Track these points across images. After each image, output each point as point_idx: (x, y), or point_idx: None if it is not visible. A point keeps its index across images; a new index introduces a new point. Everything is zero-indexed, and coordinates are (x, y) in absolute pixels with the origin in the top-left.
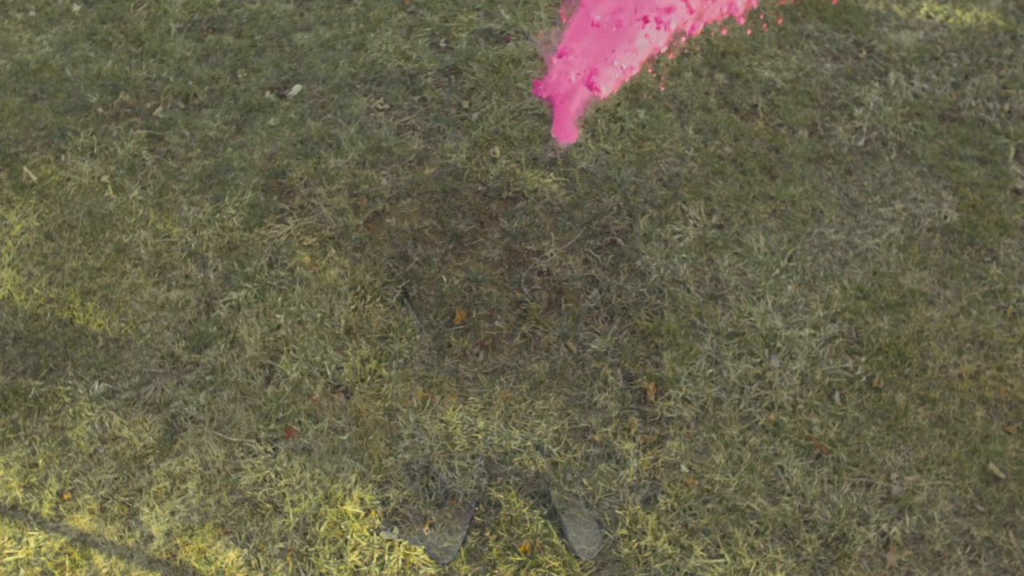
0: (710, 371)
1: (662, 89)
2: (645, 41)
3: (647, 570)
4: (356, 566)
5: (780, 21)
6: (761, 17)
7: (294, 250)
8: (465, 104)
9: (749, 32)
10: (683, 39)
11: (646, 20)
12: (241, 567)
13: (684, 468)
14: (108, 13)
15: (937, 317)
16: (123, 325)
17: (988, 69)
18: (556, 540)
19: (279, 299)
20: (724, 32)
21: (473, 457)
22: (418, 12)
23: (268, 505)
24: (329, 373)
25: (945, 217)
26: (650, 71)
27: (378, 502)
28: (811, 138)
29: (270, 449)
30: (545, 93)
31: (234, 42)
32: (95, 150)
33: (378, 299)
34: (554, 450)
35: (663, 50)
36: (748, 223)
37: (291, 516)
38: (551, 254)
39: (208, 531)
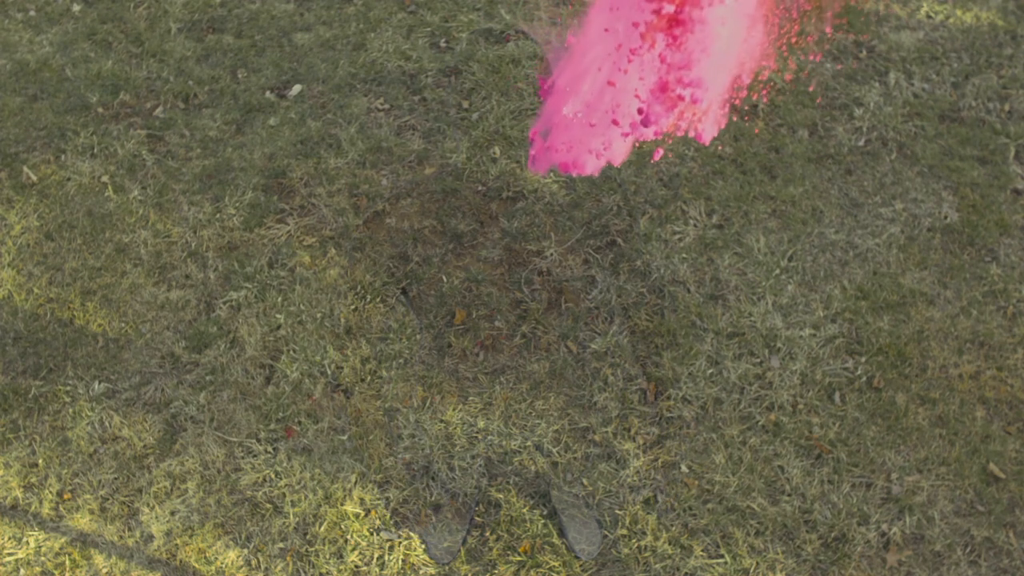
0: (710, 371)
1: None
2: (620, 136)
3: (647, 570)
4: (356, 566)
5: (757, 131)
6: (746, 121)
7: (294, 250)
8: (465, 104)
9: (721, 148)
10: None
11: (616, 124)
12: (241, 567)
13: (684, 468)
14: (108, 13)
15: (937, 317)
16: (123, 325)
17: (988, 69)
18: (556, 540)
19: (279, 299)
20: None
21: (473, 457)
22: (418, 12)
23: (268, 505)
24: (329, 373)
25: (945, 217)
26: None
27: (378, 502)
28: (811, 138)
29: (270, 449)
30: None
31: (234, 42)
32: (95, 150)
33: (378, 299)
34: (554, 450)
35: (641, 141)
36: (748, 223)
37: (291, 516)
38: (551, 254)
39: (208, 531)
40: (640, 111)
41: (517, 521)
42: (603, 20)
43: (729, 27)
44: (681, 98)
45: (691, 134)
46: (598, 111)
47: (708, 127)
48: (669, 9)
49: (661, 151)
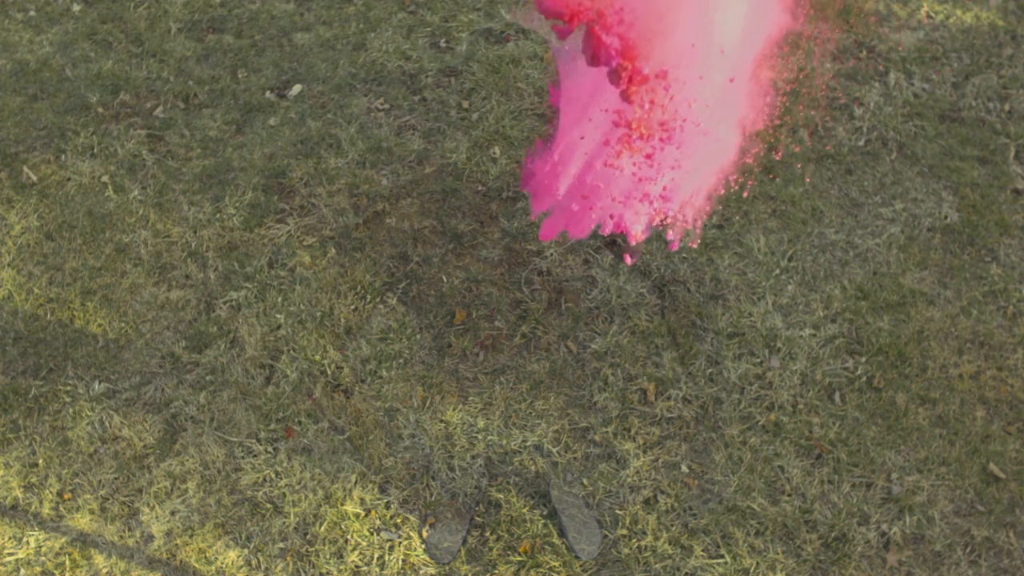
0: (710, 371)
1: None
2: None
3: (647, 570)
4: (356, 566)
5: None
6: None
7: (294, 250)
8: (465, 104)
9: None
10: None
11: (591, 208)
12: (241, 567)
13: (684, 468)
14: (108, 13)
15: (937, 317)
16: (123, 325)
17: (988, 69)
18: (556, 540)
19: (279, 299)
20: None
21: (473, 457)
22: (418, 12)
23: (268, 505)
24: (329, 373)
25: (945, 217)
26: None
27: (378, 502)
28: (811, 138)
29: (270, 449)
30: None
31: (234, 42)
32: (95, 150)
33: (378, 299)
34: (554, 450)
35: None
36: (748, 223)
37: (291, 516)
38: (551, 254)
39: (208, 531)
40: (612, 215)
41: (517, 521)
42: (578, 127)
43: (706, 141)
44: (655, 208)
45: (667, 236)
46: (578, 200)
47: (681, 235)
48: (641, 145)
49: (630, 258)
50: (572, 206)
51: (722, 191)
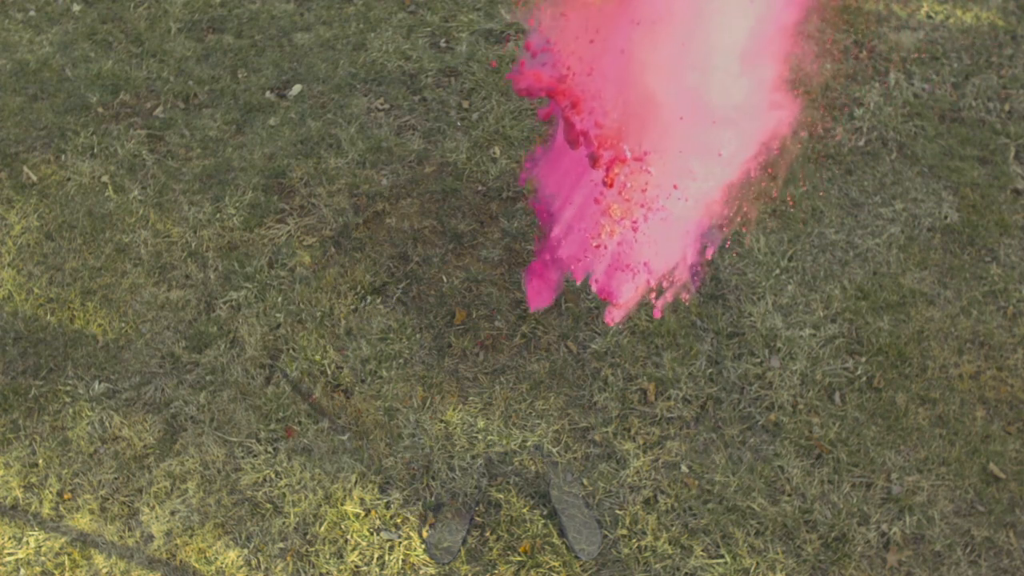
0: (710, 371)
1: None
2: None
3: (647, 570)
4: (356, 566)
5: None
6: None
7: (294, 250)
8: (465, 104)
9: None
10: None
11: (563, 263)
12: (241, 567)
13: (684, 468)
14: (108, 13)
15: (937, 317)
16: (123, 325)
17: (988, 69)
18: (556, 540)
19: (279, 299)
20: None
21: (473, 457)
22: (418, 12)
23: (268, 505)
24: (329, 373)
25: (945, 217)
26: None
27: (378, 502)
28: (811, 138)
29: (270, 449)
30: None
31: (234, 42)
32: (95, 150)
33: (378, 299)
34: (554, 450)
35: None
36: (748, 223)
37: (291, 516)
38: None
39: (208, 531)
40: (595, 280)
41: (517, 521)
42: (563, 195)
43: (692, 210)
44: (637, 277)
45: (651, 297)
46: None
47: (664, 301)
48: (622, 221)
49: (612, 320)
50: (560, 255)
51: (709, 256)
